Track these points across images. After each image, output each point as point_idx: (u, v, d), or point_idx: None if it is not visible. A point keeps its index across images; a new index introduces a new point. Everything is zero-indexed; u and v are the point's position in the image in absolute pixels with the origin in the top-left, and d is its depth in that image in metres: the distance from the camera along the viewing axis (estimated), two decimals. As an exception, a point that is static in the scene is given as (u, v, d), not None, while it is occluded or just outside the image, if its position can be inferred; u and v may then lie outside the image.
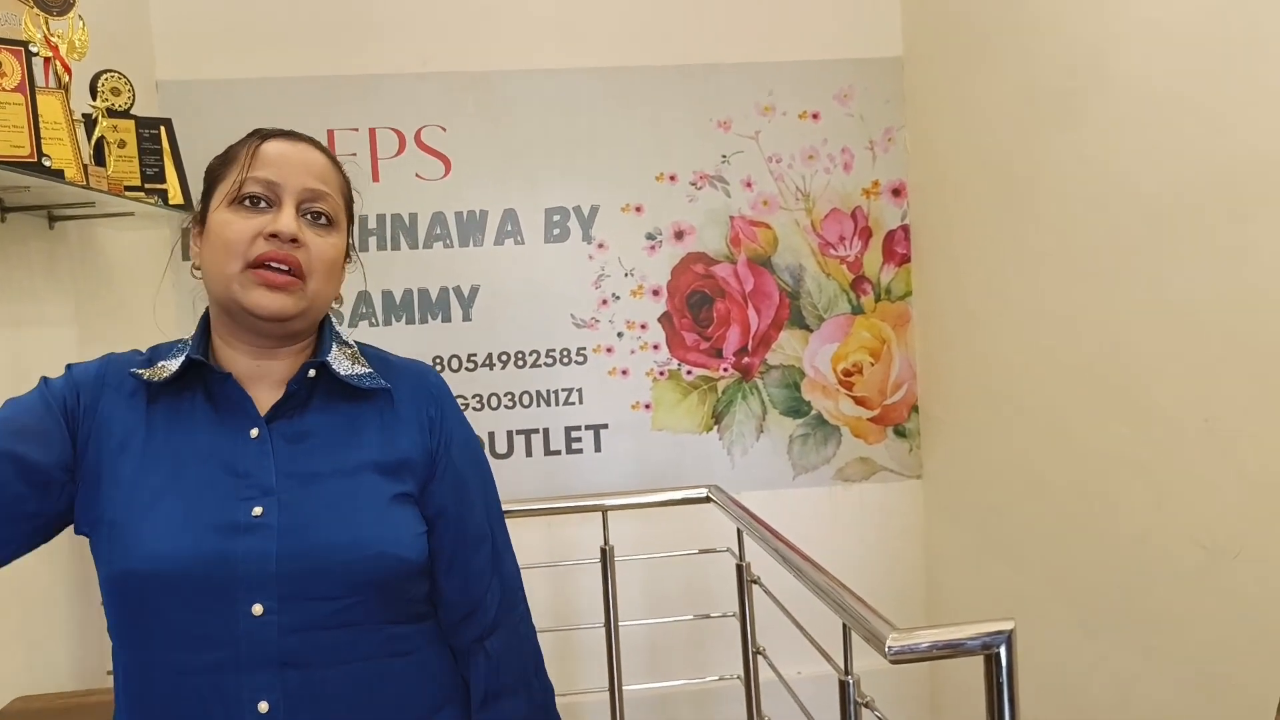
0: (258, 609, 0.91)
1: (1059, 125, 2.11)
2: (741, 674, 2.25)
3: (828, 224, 2.92)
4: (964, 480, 2.72)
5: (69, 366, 1.00)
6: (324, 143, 1.22)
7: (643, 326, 2.87)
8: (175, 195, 2.11)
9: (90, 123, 1.92)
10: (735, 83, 2.86)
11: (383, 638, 0.98)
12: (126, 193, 1.91)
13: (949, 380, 2.77)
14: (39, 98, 1.56)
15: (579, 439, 2.86)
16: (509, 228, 2.82)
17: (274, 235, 0.95)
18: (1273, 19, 1.53)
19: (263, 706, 0.91)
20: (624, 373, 2.87)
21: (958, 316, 2.68)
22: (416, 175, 2.77)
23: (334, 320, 1.09)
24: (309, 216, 0.99)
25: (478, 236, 2.80)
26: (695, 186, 2.87)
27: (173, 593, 0.90)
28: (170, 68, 2.64)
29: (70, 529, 0.96)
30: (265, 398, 1.00)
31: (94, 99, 1.94)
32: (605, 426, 2.87)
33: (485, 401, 2.81)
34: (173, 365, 0.98)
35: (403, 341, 2.73)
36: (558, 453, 2.85)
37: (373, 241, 2.76)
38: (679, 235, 2.87)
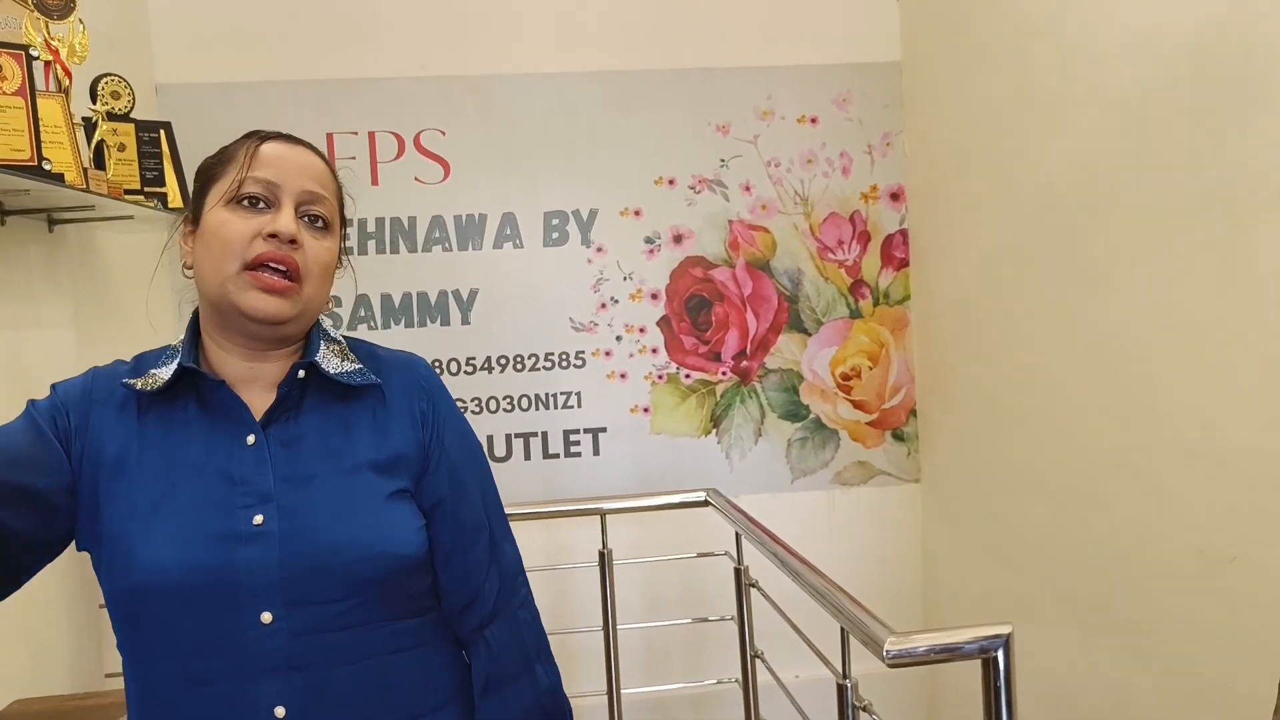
0: (266, 616, 0.91)
1: (1056, 130, 2.12)
2: (739, 677, 2.26)
3: (826, 228, 2.92)
4: (962, 484, 2.72)
5: (54, 386, 0.98)
6: (324, 146, 1.23)
7: (641, 330, 2.87)
8: (175, 198, 2.11)
9: (90, 126, 1.92)
10: (734, 87, 2.86)
11: (387, 634, 0.98)
12: (126, 196, 1.91)
13: (947, 384, 2.78)
14: (39, 101, 1.56)
15: (577, 442, 2.86)
16: (508, 231, 2.82)
17: (273, 235, 0.95)
18: (1270, 26, 1.54)
19: (279, 711, 0.91)
20: (622, 376, 2.87)
21: (956, 321, 2.68)
22: (415, 179, 2.77)
23: (329, 321, 1.09)
24: (306, 219, 0.99)
25: (476, 240, 2.81)
26: (694, 190, 2.87)
27: (179, 605, 0.90)
28: (170, 71, 2.64)
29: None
30: (258, 401, 0.99)
31: (94, 102, 1.94)
32: (604, 430, 2.87)
33: (484, 405, 2.81)
34: (164, 374, 0.97)
35: (401, 345, 2.71)
36: (556, 456, 2.85)
37: (372, 245, 2.76)
38: (678, 239, 2.88)
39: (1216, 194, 1.67)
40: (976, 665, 1.21)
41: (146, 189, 2.04)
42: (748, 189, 2.89)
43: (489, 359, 2.82)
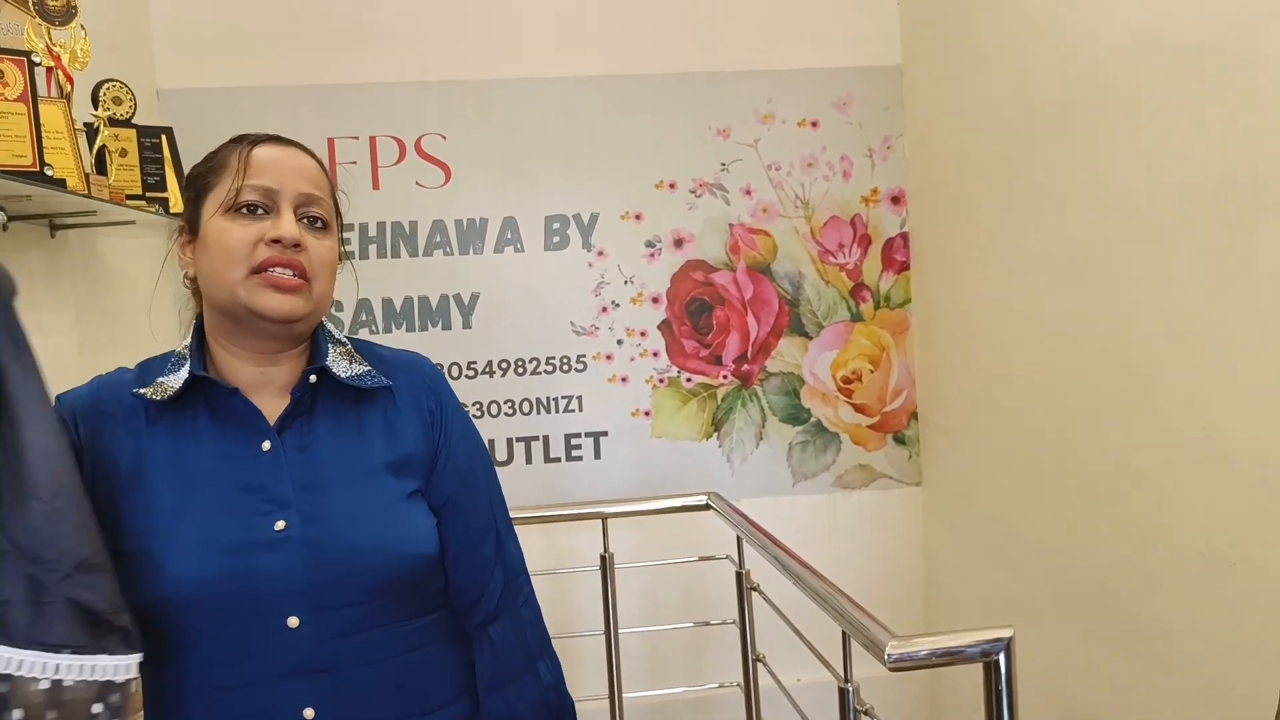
0: (293, 621, 0.92)
1: (1057, 133, 2.12)
2: (741, 681, 2.25)
3: (827, 231, 2.92)
4: (963, 487, 2.72)
5: (59, 398, 0.97)
6: (324, 151, 1.23)
7: (642, 334, 2.87)
8: (176, 203, 2.12)
9: (92, 132, 1.92)
10: (734, 91, 2.87)
11: (406, 632, 1.00)
12: (128, 201, 1.91)
13: (948, 387, 2.78)
14: (41, 107, 1.57)
15: (579, 446, 2.86)
16: (509, 235, 2.82)
17: (276, 241, 0.95)
18: (1269, 28, 1.54)
19: (308, 714, 0.93)
20: (623, 380, 2.87)
21: (957, 324, 2.68)
22: (416, 183, 2.78)
23: (330, 323, 1.09)
24: (306, 221, 0.99)
25: (478, 244, 2.81)
26: (695, 194, 2.88)
27: (206, 616, 0.91)
28: (171, 76, 2.65)
29: None
30: (269, 406, 1.00)
31: (96, 108, 1.94)
32: (605, 434, 2.87)
33: (485, 409, 2.81)
34: (174, 382, 0.97)
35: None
36: (557, 460, 2.85)
37: (373, 249, 2.76)
38: (678, 243, 2.88)
39: (1216, 195, 1.67)
40: (978, 668, 1.21)
41: (148, 194, 2.04)
42: (748, 192, 2.89)
43: (490, 363, 2.82)
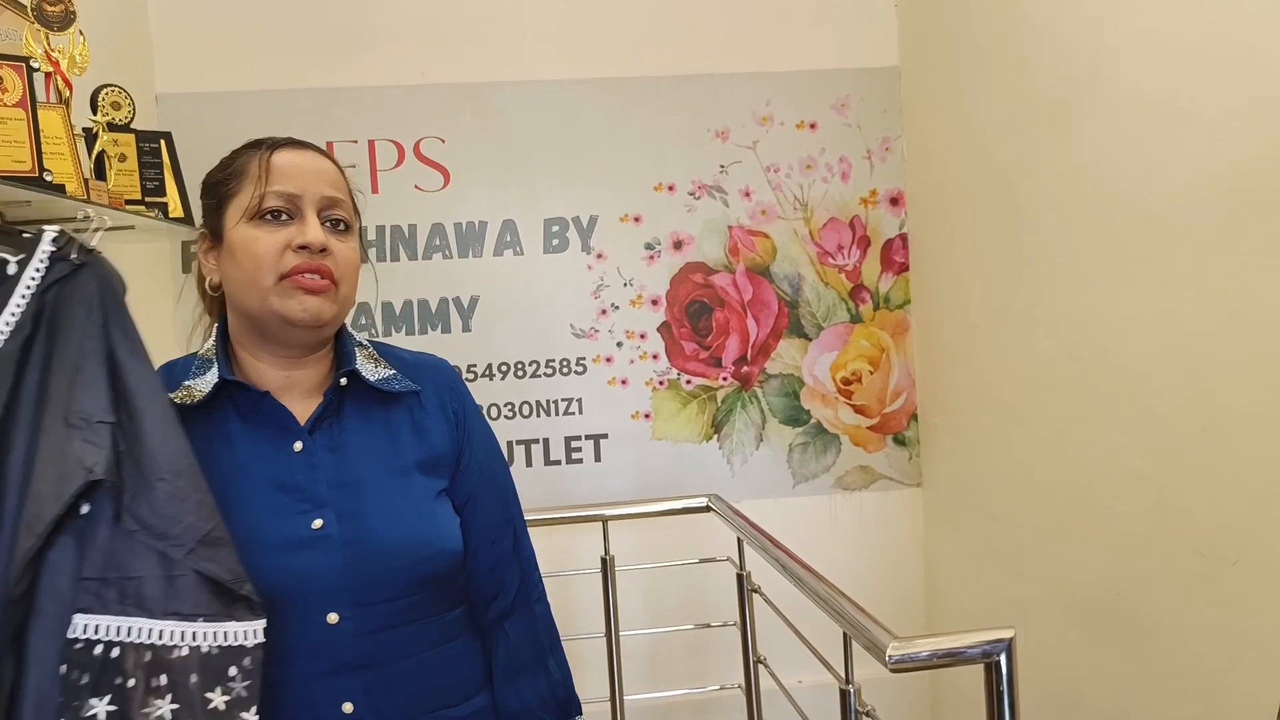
0: (333, 617, 0.94)
1: (1056, 134, 2.12)
2: (742, 683, 2.25)
3: (826, 233, 2.92)
4: (964, 488, 2.72)
5: None
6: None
7: (642, 336, 2.87)
8: (175, 208, 2.12)
9: (91, 137, 1.92)
10: (733, 93, 2.87)
11: (438, 626, 1.03)
12: (127, 206, 1.91)
13: (948, 388, 2.78)
14: (40, 113, 1.56)
15: (579, 449, 2.86)
16: (508, 238, 2.82)
17: (303, 247, 0.97)
18: (1267, 27, 1.54)
19: (347, 707, 0.95)
20: (623, 382, 2.87)
21: (956, 324, 2.68)
22: (415, 187, 2.78)
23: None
24: (329, 224, 1.01)
25: (477, 247, 2.81)
26: (694, 196, 2.88)
27: None
28: (170, 81, 2.65)
29: None
30: (297, 408, 1.02)
31: (94, 113, 1.94)
32: (605, 436, 2.87)
33: (485, 412, 2.81)
34: (202, 386, 0.98)
35: (402, 352, 2.73)
36: (558, 463, 2.85)
37: (372, 253, 2.76)
38: (678, 245, 2.88)
39: (1215, 195, 1.67)
40: (979, 669, 1.21)
41: (147, 199, 2.04)
42: (747, 194, 2.89)
43: (490, 366, 2.82)
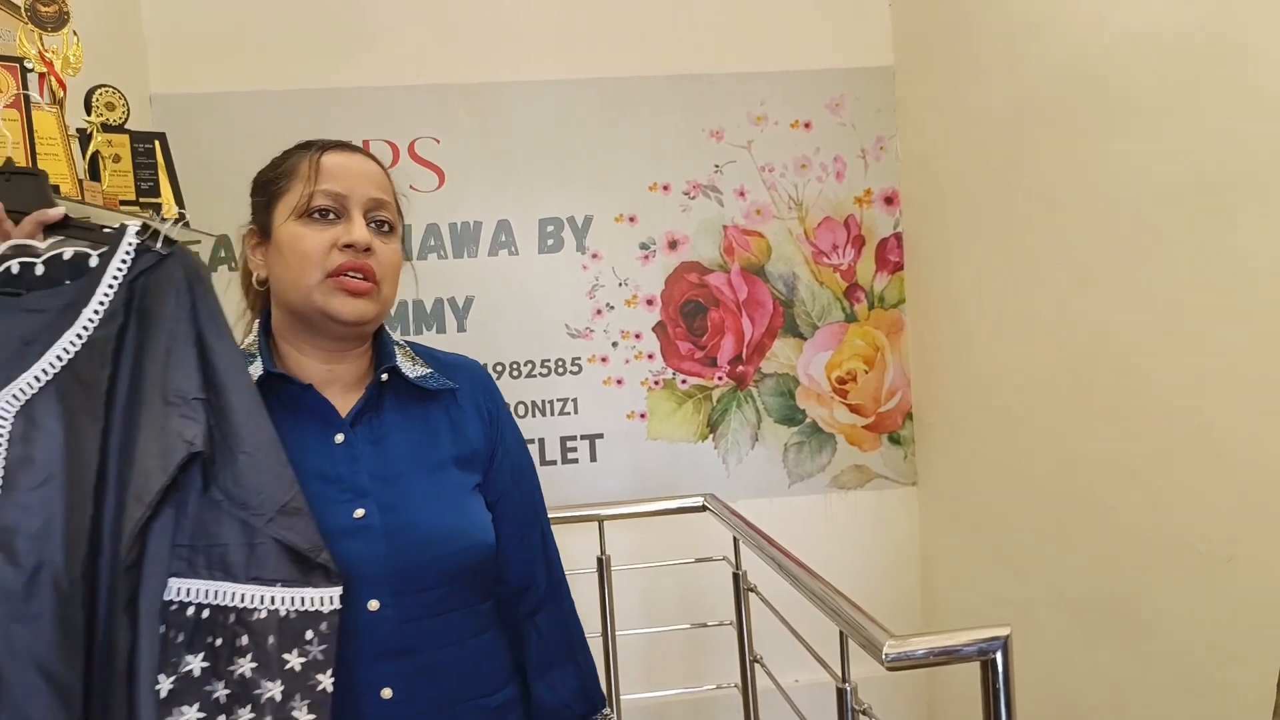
0: (374, 604, 0.97)
1: (1049, 133, 2.13)
2: (739, 682, 2.26)
3: (821, 232, 2.93)
4: (959, 487, 2.73)
5: None
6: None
7: (637, 336, 2.88)
8: (170, 209, 2.11)
9: (85, 138, 1.91)
10: (727, 93, 2.87)
11: (473, 616, 1.06)
12: (122, 207, 1.91)
13: (943, 387, 2.78)
14: (34, 114, 1.56)
15: (574, 449, 2.86)
16: (503, 239, 2.82)
17: (349, 245, 1.00)
18: (1258, 27, 1.55)
19: (386, 694, 0.98)
20: (619, 382, 2.87)
21: (951, 323, 2.69)
22: (410, 187, 2.77)
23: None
24: (374, 225, 1.05)
25: (472, 248, 2.81)
26: (688, 196, 2.88)
27: None
28: (164, 82, 2.64)
29: None
30: (339, 402, 1.05)
31: (89, 114, 1.94)
32: (600, 436, 2.87)
33: (481, 412, 2.81)
34: None
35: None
36: (553, 463, 2.85)
37: (367, 253, 2.75)
38: (672, 245, 2.88)
39: (1208, 194, 1.68)
40: (975, 667, 1.21)
41: (142, 199, 2.03)
42: (742, 194, 2.89)
43: (485, 366, 2.81)
